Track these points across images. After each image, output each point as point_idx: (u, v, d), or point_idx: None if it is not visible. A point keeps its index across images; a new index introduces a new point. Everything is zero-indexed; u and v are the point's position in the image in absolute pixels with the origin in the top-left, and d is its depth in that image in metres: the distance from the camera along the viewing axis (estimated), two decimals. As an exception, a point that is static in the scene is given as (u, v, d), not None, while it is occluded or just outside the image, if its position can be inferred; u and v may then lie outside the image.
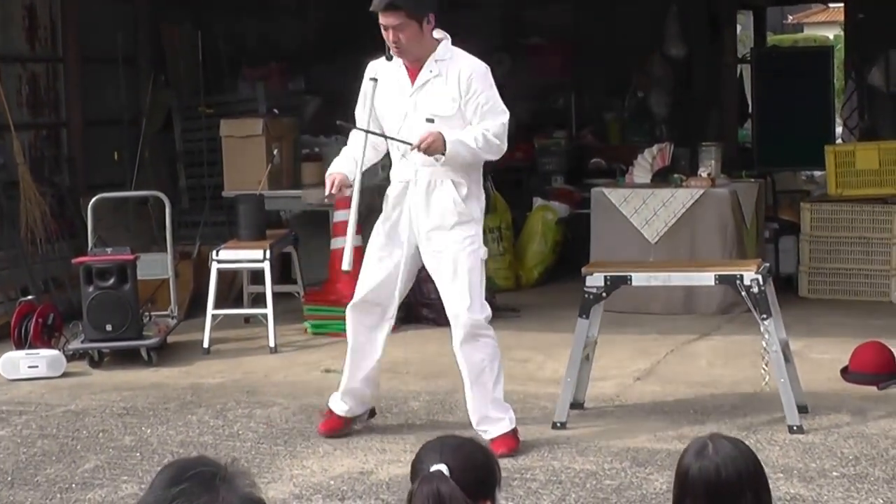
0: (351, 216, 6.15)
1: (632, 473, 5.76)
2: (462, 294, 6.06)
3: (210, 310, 8.63)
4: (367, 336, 6.33)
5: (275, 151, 9.97)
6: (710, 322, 9.12)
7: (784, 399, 6.31)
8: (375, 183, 8.03)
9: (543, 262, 10.98)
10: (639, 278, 6.52)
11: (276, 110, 11.19)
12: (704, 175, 9.66)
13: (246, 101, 12.06)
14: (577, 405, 6.67)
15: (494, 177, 10.42)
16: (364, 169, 6.16)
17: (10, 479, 5.97)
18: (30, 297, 8.82)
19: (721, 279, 6.46)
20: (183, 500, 2.09)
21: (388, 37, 6.02)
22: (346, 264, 6.03)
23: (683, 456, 3.03)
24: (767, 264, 6.74)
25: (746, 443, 3.12)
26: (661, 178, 9.86)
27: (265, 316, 8.71)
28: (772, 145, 13.89)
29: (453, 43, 6.18)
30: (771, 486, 3.08)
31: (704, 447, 3.00)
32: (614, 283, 6.44)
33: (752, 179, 10.40)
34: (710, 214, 9.48)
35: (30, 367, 7.93)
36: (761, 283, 6.28)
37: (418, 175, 6.14)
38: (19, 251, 9.48)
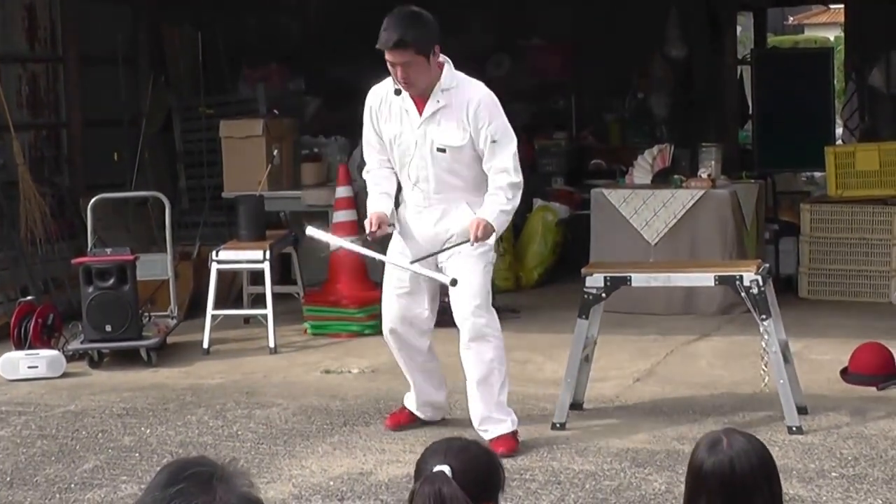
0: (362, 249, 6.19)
1: (631, 474, 5.76)
2: (471, 295, 6.08)
3: (210, 310, 8.62)
4: (419, 352, 6.39)
5: (275, 152, 9.96)
6: (710, 323, 9.12)
7: (783, 400, 6.31)
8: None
9: (543, 262, 10.97)
10: (639, 279, 6.52)
11: (276, 111, 11.17)
12: (704, 176, 9.65)
13: (246, 101, 12.04)
14: (576, 406, 6.67)
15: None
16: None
17: (9, 479, 5.97)
18: (29, 297, 8.81)
19: (721, 280, 6.45)
20: (180, 500, 2.09)
21: (397, 74, 5.94)
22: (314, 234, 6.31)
23: (696, 451, 2.98)
24: (767, 265, 6.73)
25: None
26: (662, 179, 9.85)
27: (265, 316, 8.70)
28: (772, 146, 13.85)
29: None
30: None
31: (718, 441, 2.96)
32: (614, 284, 6.43)
33: (753, 180, 10.39)
34: (710, 215, 9.48)
35: (29, 367, 7.92)
36: (761, 283, 6.27)
37: (430, 201, 6.17)
38: (19, 251, 9.47)
